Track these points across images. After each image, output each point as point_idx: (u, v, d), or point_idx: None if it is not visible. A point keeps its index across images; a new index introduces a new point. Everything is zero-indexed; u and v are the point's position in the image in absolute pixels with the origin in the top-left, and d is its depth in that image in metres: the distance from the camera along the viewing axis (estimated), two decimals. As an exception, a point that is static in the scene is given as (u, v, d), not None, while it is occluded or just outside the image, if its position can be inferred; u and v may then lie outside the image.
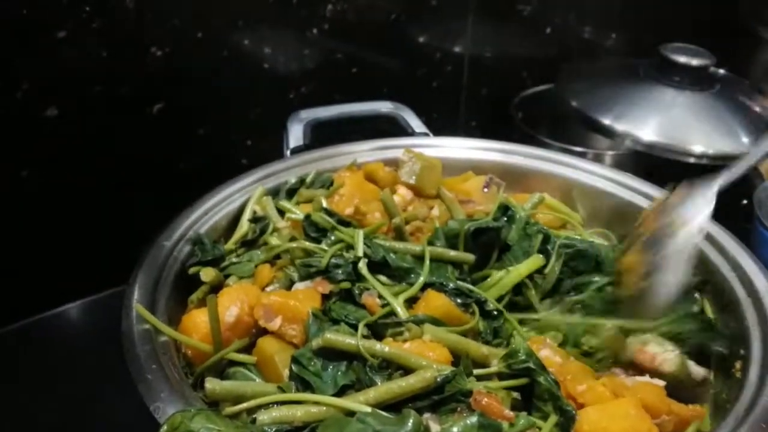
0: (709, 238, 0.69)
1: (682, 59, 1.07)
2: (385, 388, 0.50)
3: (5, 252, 0.89)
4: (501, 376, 0.56)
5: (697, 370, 0.61)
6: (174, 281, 0.62)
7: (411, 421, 0.46)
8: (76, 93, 0.87)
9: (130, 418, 0.71)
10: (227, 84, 1.00)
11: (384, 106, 0.96)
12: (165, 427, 0.45)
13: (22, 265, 0.91)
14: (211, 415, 0.46)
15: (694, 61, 1.07)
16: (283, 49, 1.04)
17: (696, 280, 0.67)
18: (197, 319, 0.57)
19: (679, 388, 0.59)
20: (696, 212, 0.61)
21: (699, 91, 1.07)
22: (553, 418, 0.51)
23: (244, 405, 0.50)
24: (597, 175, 0.82)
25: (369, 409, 0.48)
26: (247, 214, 0.73)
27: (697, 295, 0.68)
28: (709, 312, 0.67)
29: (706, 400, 0.61)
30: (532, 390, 0.54)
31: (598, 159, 1.05)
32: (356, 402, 0.49)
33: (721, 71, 1.16)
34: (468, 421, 0.47)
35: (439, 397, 0.50)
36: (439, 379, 0.50)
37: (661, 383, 0.58)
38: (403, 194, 0.76)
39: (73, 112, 0.87)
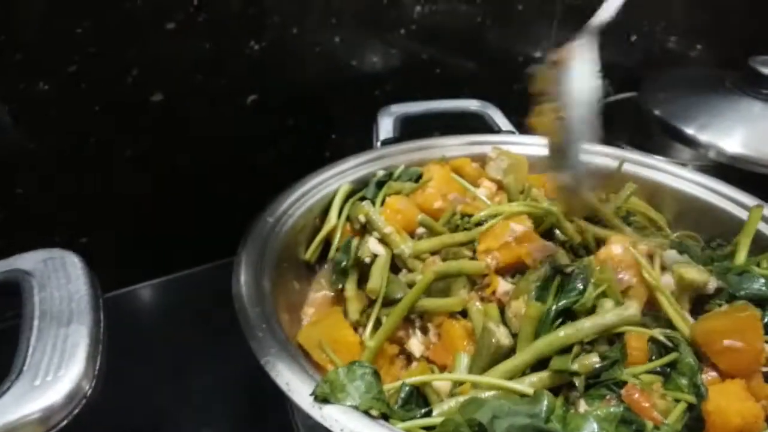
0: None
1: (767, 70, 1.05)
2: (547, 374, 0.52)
3: (103, 228, 0.95)
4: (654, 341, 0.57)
5: None
6: (277, 253, 0.65)
7: (545, 401, 0.48)
8: (179, 81, 0.92)
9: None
10: (317, 79, 1.04)
11: (472, 104, 0.98)
12: (322, 384, 0.48)
13: (116, 241, 0.97)
14: (367, 374, 0.49)
15: (782, 74, 1.05)
16: (371, 48, 1.08)
17: None
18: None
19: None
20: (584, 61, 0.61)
21: (786, 104, 1.05)
22: (682, 405, 0.52)
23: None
24: (683, 178, 0.82)
25: (531, 391, 0.50)
26: (334, 210, 0.75)
27: None
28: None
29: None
30: (674, 363, 0.55)
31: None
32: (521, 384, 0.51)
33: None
34: (612, 410, 0.48)
35: (594, 382, 0.52)
36: (597, 366, 0.52)
37: (764, 368, 0.58)
38: (488, 186, 0.78)
39: (176, 98, 0.93)
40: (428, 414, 0.50)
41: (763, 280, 0.65)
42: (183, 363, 0.83)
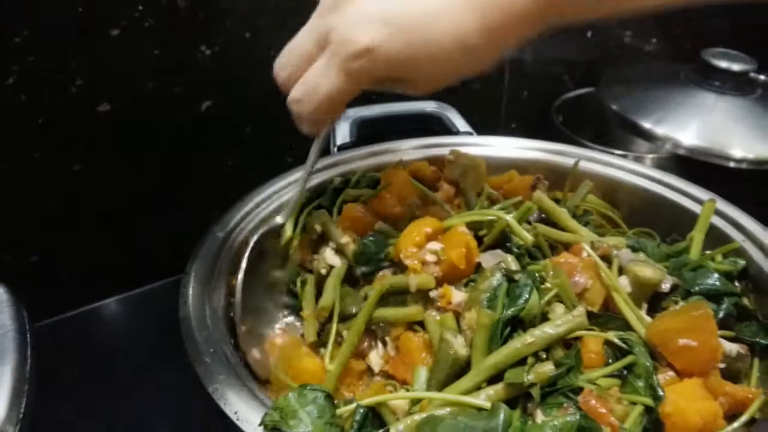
0: (754, 239, 0.69)
1: (723, 64, 1.07)
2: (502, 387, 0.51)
3: (54, 244, 0.92)
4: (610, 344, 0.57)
5: (730, 346, 0.61)
6: (228, 270, 0.63)
7: (501, 414, 0.47)
8: (128, 89, 0.90)
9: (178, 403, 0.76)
10: (273, 83, 1.02)
11: (428, 106, 0.97)
12: (271, 411, 0.46)
13: (70, 256, 0.94)
14: (320, 397, 0.48)
15: (735, 66, 1.07)
16: (327, 50, 1.06)
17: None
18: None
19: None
20: None
21: (740, 96, 1.07)
22: (639, 408, 0.52)
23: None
24: (639, 174, 0.82)
25: (488, 405, 0.49)
26: (290, 220, 0.72)
27: (737, 283, 0.68)
28: (750, 303, 0.67)
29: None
30: (630, 366, 0.55)
31: (637, 162, 1.05)
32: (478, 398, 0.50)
33: (762, 77, 1.16)
34: (569, 419, 0.47)
35: (550, 390, 0.51)
36: (552, 375, 0.51)
37: (719, 365, 0.58)
38: (447, 189, 0.77)
39: (125, 108, 0.90)
40: None
41: (717, 275, 0.65)
42: (140, 380, 0.81)
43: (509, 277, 0.57)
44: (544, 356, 0.54)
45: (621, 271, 0.64)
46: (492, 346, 0.53)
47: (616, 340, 0.56)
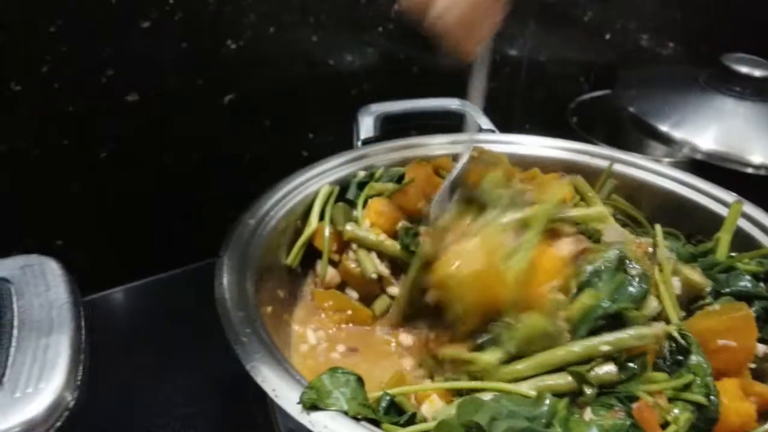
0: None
1: (743, 69, 1.07)
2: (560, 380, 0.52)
3: (78, 229, 0.93)
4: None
5: (759, 346, 0.61)
6: (259, 256, 0.64)
7: (547, 404, 0.47)
8: (155, 81, 0.91)
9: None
10: (294, 78, 1.03)
11: (452, 103, 0.98)
12: (308, 390, 0.47)
13: (93, 243, 0.95)
14: (351, 380, 0.49)
15: (757, 72, 1.06)
16: (349, 47, 1.07)
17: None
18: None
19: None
20: None
21: (760, 101, 1.06)
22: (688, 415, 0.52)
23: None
24: (663, 175, 0.83)
25: (533, 394, 0.49)
26: (315, 212, 0.74)
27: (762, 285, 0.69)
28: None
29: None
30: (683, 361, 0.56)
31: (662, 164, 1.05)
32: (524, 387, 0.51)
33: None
34: (619, 422, 0.48)
35: (606, 391, 0.51)
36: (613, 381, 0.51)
37: (750, 365, 0.59)
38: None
39: (152, 98, 0.91)
40: (411, 420, 0.49)
41: (748, 277, 0.65)
42: (163, 366, 0.82)
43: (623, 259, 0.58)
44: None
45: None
46: (580, 327, 0.54)
47: (677, 335, 0.57)
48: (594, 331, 0.54)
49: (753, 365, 0.59)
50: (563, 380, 0.52)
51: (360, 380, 0.49)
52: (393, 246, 0.69)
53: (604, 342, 0.52)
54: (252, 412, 0.72)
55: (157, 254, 0.99)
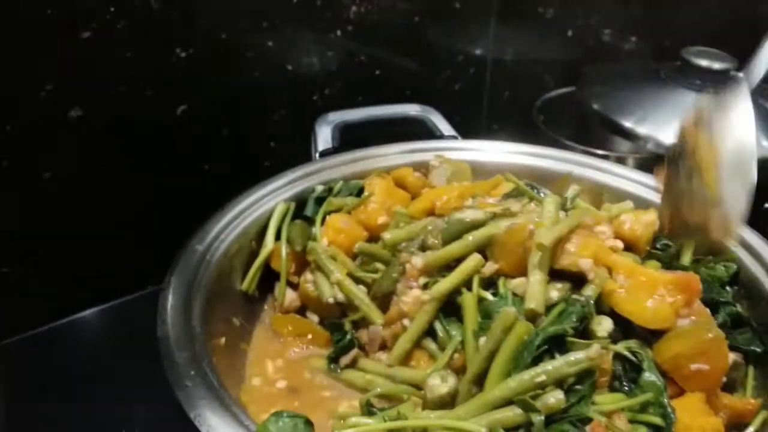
0: (745, 245, 0.69)
1: (704, 62, 1.06)
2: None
3: (25, 255, 0.89)
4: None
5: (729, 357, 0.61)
6: (207, 284, 0.61)
7: None
8: (100, 94, 0.87)
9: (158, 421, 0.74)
10: (251, 86, 1.00)
11: (412, 109, 0.95)
12: None
13: (43, 268, 0.91)
14: (298, 424, 0.46)
15: (716, 65, 1.06)
16: (307, 51, 1.04)
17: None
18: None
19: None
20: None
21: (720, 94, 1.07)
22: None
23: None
24: (626, 178, 0.82)
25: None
26: (271, 232, 0.71)
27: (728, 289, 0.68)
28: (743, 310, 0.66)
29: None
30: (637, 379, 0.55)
31: (620, 162, 1.04)
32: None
33: (742, 75, 1.15)
34: None
35: (558, 417, 0.50)
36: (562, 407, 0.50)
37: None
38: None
39: (97, 113, 0.87)
40: None
41: (716, 287, 0.65)
42: (126, 395, 0.78)
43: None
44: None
45: None
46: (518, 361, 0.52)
47: (627, 353, 0.55)
48: (537, 358, 0.53)
49: (723, 378, 0.58)
50: (511, 413, 0.50)
51: (308, 422, 0.47)
52: (352, 267, 0.67)
53: (539, 373, 0.51)
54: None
55: (110, 279, 0.95)
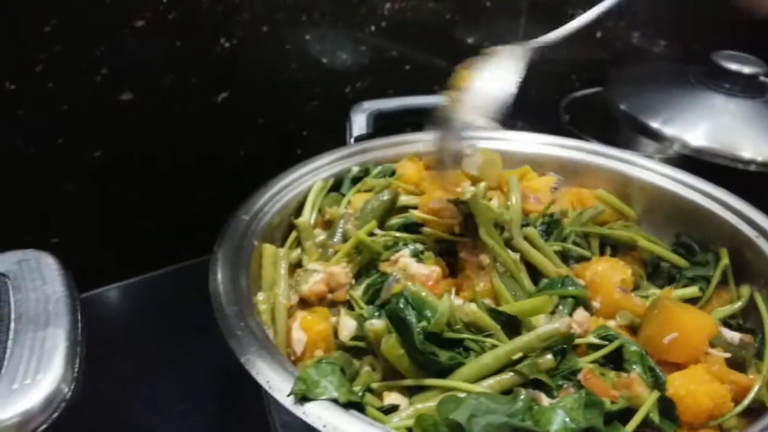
0: (765, 233, 0.71)
1: (733, 66, 1.07)
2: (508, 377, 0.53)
3: (74, 227, 0.93)
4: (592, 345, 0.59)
5: (732, 334, 0.63)
6: (252, 251, 0.65)
7: (522, 398, 0.49)
8: (149, 80, 0.91)
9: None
10: (288, 76, 1.04)
11: (444, 100, 0.98)
12: (298, 381, 0.48)
13: (88, 241, 0.95)
14: (336, 369, 0.50)
15: (746, 69, 1.07)
16: (341, 45, 1.08)
17: None
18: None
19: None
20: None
21: (749, 98, 1.07)
22: (655, 394, 0.54)
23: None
24: (654, 171, 0.84)
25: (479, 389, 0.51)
26: (308, 206, 0.75)
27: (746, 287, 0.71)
28: (762, 306, 0.69)
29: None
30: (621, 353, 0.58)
31: (653, 160, 1.06)
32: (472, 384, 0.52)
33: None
34: (576, 397, 0.50)
35: (553, 374, 0.54)
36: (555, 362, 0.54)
37: (724, 355, 0.60)
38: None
39: (146, 97, 0.92)
40: (394, 409, 0.52)
41: None
42: (160, 362, 0.83)
43: None
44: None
45: None
46: None
47: (594, 340, 0.59)
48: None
49: (727, 354, 0.60)
50: (508, 377, 0.53)
51: (342, 370, 0.51)
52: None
53: (516, 349, 0.54)
54: (247, 406, 0.73)
55: (155, 252, 1.00)
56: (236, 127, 1.03)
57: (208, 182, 1.01)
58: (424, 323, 0.53)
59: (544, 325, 0.55)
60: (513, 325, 0.58)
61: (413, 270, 0.62)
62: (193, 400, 0.78)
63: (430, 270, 0.62)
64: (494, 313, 0.58)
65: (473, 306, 0.57)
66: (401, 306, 0.52)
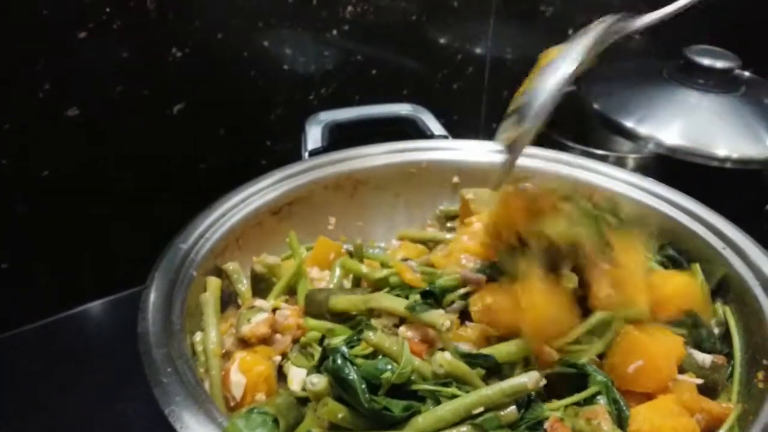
0: (732, 245, 0.69)
1: (706, 61, 1.05)
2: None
3: (26, 251, 0.90)
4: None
5: (703, 356, 0.61)
6: (189, 284, 0.62)
7: None
8: (97, 93, 0.88)
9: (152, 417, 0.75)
10: (247, 85, 1.01)
11: (403, 108, 0.96)
12: None
13: (43, 264, 0.92)
14: (268, 420, 0.47)
15: (719, 64, 1.05)
16: (303, 51, 1.04)
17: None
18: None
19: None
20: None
21: (724, 93, 1.05)
22: None
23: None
24: (620, 180, 0.81)
25: None
26: None
27: (719, 303, 0.68)
28: (731, 320, 0.66)
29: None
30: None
31: (620, 162, 1.04)
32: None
33: (747, 74, 1.14)
34: None
35: (516, 425, 0.51)
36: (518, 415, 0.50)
37: (696, 381, 0.58)
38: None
39: (95, 111, 0.88)
40: None
41: None
42: (122, 388, 0.79)
43: None
44: None
45: None
46: None
47: (566, 370, 0.56)
48: None
49: (700, 380, 0.58)
50: (465, 430, 0.50)
51: (276, 420, 0.47)
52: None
53: (477, 402, 0.51)
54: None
55: (107, 275, 0.96)
56: (196, 140, 1.00)
57: (168, 199, 0.98)
58: (387, 374, 0.49)
59: (510, 379, 0.52)
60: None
61: None
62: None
63: None
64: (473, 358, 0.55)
65: (447, 355, 0.53)
66: (339, 364, 0.48)
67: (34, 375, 0.82)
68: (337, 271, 0.68)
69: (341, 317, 0.61)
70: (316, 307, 0.62)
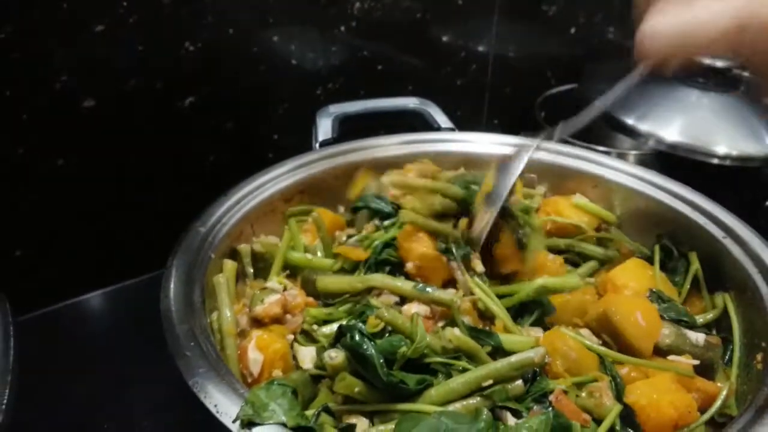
0: (732, 233, 0.70)
1: (707, 60, 1.07)
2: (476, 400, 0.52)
3: (39, 239, 0.92)
4: None
5: (696, 335, 0.63)
6: (207, 265, 0.64)
7: (483, 418, 0.48)
8: (112, 85, 0.90)
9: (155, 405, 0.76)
10: (256, 79, 1.03)
11: (410, 102, 0.97)
12: (244, 406, 0.47)
13: (54, 251, 0.94)
14: (287, 392, 0.48)
15: (719, 63, 1.07)
16: (311, 47, 1.06)
17: None
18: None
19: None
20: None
21: (723, 92, 1.07)
22: (618, 407, 0.53)
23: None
24: (625, 173, 0.83)
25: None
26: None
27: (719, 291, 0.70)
28: (731, 307, 0.68)
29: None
30: None
31: (621, 159, 1.05)
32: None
33: (746, 73, 1.16)
34: (543, 418, 0.49)
35: (523, 398, 0.53)
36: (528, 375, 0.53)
37: (691, 362, 0.60)
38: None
39: (109, 104, 0.90)
40: (350, 429, 0.50)
41: None
42: (126, 376, 0.81)
43: None
44: None
45: None
46: None
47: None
48: None
49: (696, 361, 0.60)
50: (475, 401, 0.52)
51: (295, 392, 0.49)
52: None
53: (487, 375, 0.53)
54: (211, 424, 0.71)
55: (118, 263, 0.98)
56: (205, 133, 1.01)
57: (178, 189, 1.00)
58: (403, 349, 0.51)
59: (518, 354, 0.54)
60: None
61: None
62: (157, 417, 0.77)
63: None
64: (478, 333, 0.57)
65: (456, 330, 0.56)
66: (357, 340, 0.50)
67: (40, 361, 0.84)
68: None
69: (333, 297, 0.64)
70: (311, 287, 0.65)
